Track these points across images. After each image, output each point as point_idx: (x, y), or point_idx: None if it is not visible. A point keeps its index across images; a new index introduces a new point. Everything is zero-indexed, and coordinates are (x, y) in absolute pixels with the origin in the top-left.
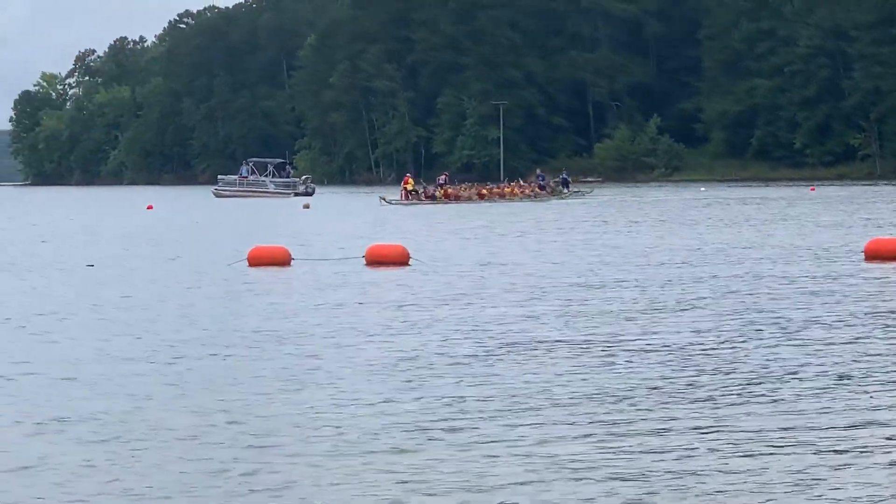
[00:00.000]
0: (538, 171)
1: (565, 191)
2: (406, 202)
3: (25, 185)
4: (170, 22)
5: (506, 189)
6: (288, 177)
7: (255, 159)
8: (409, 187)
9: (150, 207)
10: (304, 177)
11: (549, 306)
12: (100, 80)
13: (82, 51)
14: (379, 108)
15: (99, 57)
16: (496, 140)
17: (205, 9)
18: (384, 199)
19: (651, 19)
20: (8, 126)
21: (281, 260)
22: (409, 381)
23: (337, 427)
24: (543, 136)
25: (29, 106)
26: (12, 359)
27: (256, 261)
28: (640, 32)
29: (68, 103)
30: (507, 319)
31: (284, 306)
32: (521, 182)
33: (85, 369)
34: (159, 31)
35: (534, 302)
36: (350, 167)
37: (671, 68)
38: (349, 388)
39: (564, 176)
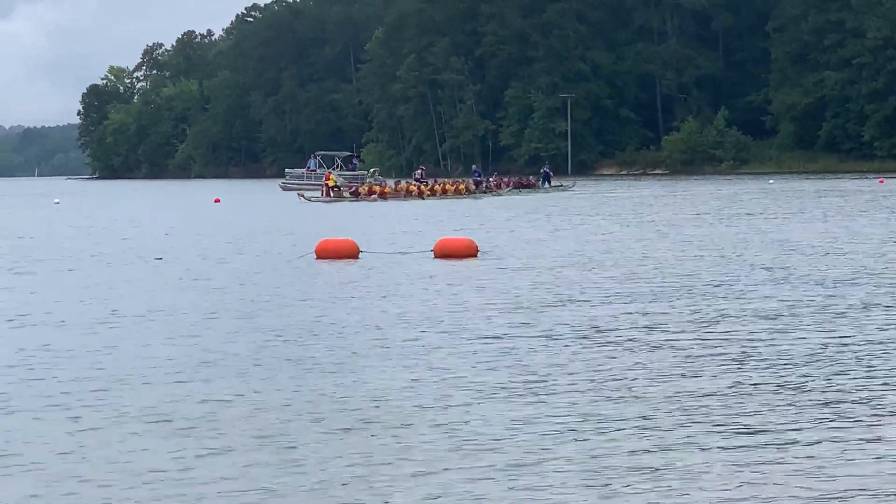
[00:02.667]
0: (474, 167)
1: (547, 185)
2: (327, 199)
3: (93, 178)
4: (237, 15)
5: (436, 187)
6: (355, 170)
7: (322, 152)
8: (332, 183)
9: (217, 201)
10: (371, 170)
11: (661, 303)
12: (167, 73)
13: (150, 44)
14: (446, 101)
15: (166, 51)
16: (563, 133)
17: (272, 2)
18: (302, 196)
19: (720, 11)
20: (76, 120)
21: (349, 253)
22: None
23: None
24: (611, 128)
25: (97, 100)
26: (93, 350)
27: (324, 254)
28: (709, 24)
29: (136, 97)
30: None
31: (351, 299)
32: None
33: (165, 366)
34: (227, 24)
35: (632, 298)
36: (417, 160)
37: (739, 60)
38: (422, 379)
39: (546, 171)
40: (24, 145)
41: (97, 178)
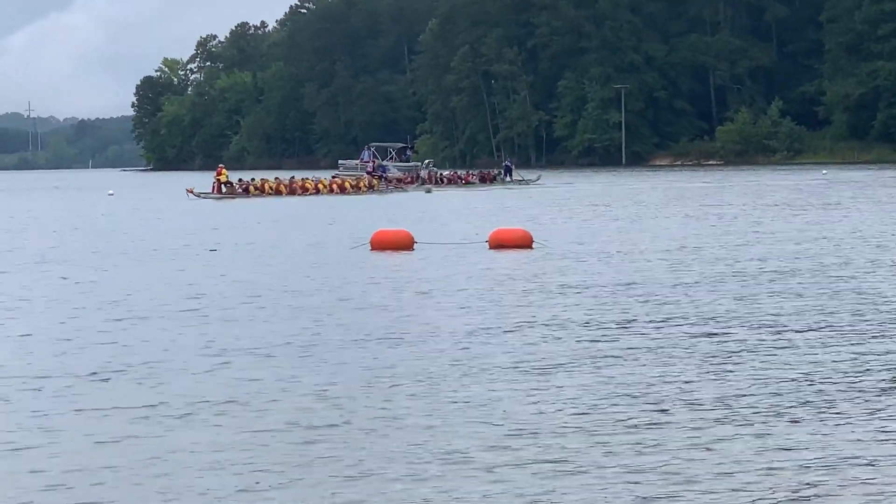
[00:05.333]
0: (378, 161)
1: (508, 179)
2: (218, 195)
3: (148, 170)
4: (291, 7)
5: (335, 182)
6: (409, 161)
7: (376, 144)
8: (223, 179)
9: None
10: (425, 161)
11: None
12: (221, 65)
13: (204, 36)
14: (500, 93)
15: (220, 42)
16: (617, 124)
17: None
18: (191, 192)
19: (773, 2)
20: (130, 112)
21: (404, 244)
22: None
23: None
24: (665, 119)
25: (151, 92)
26: (150, 344)
27: (379, 245)
28: (762, 15)
29: (190, 89)
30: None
31: (407, 290)
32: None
33: (222, 357)
34: (280, 16)
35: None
36: (471, 151)
37: (793, 51)
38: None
39: (507, 163)
40: (78, 137)
41: (151, 169)
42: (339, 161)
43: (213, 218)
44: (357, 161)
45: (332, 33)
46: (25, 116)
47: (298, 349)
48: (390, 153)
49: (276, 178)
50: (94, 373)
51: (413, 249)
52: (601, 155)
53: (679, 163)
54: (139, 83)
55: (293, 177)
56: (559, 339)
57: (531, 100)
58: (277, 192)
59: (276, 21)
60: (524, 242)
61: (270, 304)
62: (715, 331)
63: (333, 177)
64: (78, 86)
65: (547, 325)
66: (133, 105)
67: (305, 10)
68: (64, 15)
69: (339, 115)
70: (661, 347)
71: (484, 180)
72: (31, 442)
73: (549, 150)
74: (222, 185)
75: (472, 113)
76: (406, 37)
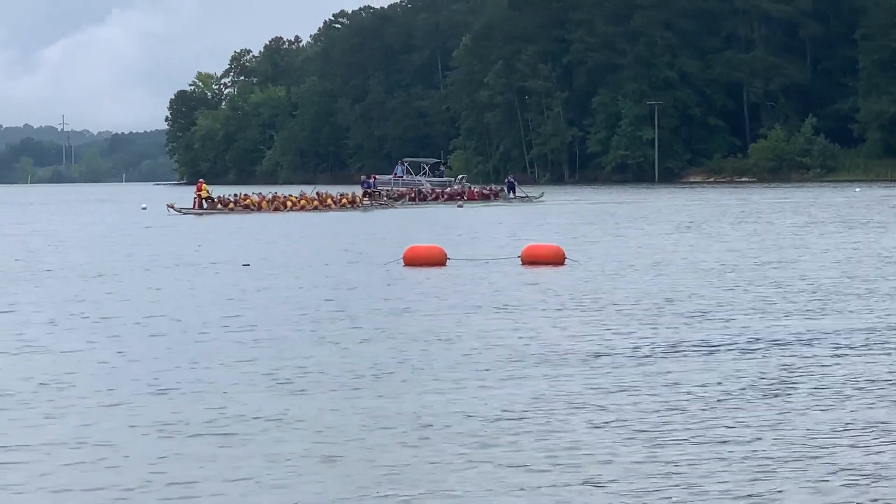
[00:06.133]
0: (363, 177)
1: (511, 195)
2: (198, 211)
3: (181, 184)
4: (325, 22)
5: (318, 199)
6: (442, 176)
7: (409, 159)
8: (204, 194)
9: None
10: (459, 176)
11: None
12: (255, 79)
13: (238, 51)
14: (534, 108)
15: (254, 57)
16: (651, 140)
17: (360, 9)
18: (172, 207)
19: (807, 20)
20: (164, 126)
21: (437, 260)
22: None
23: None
24: (698, 136)
25: (185, 106)
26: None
27: (412, 261)
28: (796, 33)
29: (223, 103)
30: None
31: (440, 307)
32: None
33: (252, 377)
34: (314, 30)
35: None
36: (505, 167)
37: (827, 68)
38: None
39: (510, 180)
40: (112, 151)
41: (184, 183)
42: (373, 176)
43: (227, 233)
44: (390, 176)
45: (366, 48)
46: (59, 130)
47: (345, 367)
48: (424, 168)
49: (259, 194)
50: (150, 387)
51: (446, 265)
52: (634, 171)
53: (712, 179)
54: (173, 97)
55: (275, 193)
56: (600, 357)
57: (565, 116)
58: (260, 208)
59: (311, 36)
60: (557, 259)
61: (313, 321)
62: (759, 348)
63: (342, 194)
64: (112, 99)
65: (587, 342)
66: (167, 119)
67: (340, 26)
68: (99, 28)
69: (372, 130)
70: (704, 365)
71: (486, 197)
72: (87, 457)
73: (583, 166)
74: (203, 201)
75: (505, 129)
76: (440, 52)
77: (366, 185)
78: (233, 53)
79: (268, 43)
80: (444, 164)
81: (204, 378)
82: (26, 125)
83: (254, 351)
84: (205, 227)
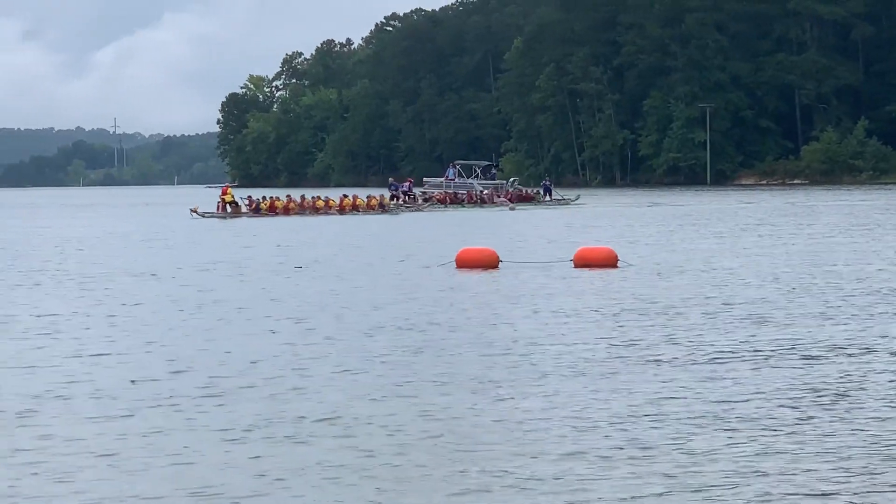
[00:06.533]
0: (391, 179)
1: (547, 199)
2: (222, 214)
3: (233, 186)
4: (376, 24)
5: (346, 202)
6: (494, 179)
7: (461, 161)
8: (228, 199)
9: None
10: (511, 179)
11: None
12: (306, 82)
13: (289, 53)
14: (585, 111)
15: (306, 60)
16: (702, 143)
17: (412, 11)
18: (195, 212)
19: (859, 21)
20: (215, 129)
21: (489, 262)
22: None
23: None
24: (750, 138)
25: (236, 108)
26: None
27: (464, 263)
28: (848, 35)
29: (275, 105)
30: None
31: (493, 310)
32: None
33: (310, 380)
34: (366, 33)
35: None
36: (556, 170)
37: (879, 70)
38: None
39: (546, 183)
40: (163, 154)
41: (236, 186)
42: (425, 179)
43: (268, 235)
44: (442, 179)
45: (417, 51)
46: (111, 132)
47: (401, 366)
48: (475, 171)
49: (288, 196)
50: (211, 389)
51: (498, 268)
52: (686, 174)
53: (764, 182)
54: (225, 100)
55: (303, 195)
56: (658, 360)
57: (616, 118)
58: (286, 212)
59: (362, 38)
60: (609, 261)
61: (367, 323)
62: (813, 353)
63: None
64: (164, 102)
65: (644, 345)
66: (218, 122)
67: (391, 28)
68: (151, 31)
69: (424, 133)
70: (760, 369)
71: (523, 200)
72: (151, 456)
73: (634, 168)
74: (227, 205)
75: (557, 131)
76: (491, 55)
77: (393, 188)
78: (284, 56)
79: (319, 45)
80: (495, 166)
81: (278, 379)
82: (78, 128)
83: (324, 354)
84: (241, 230)
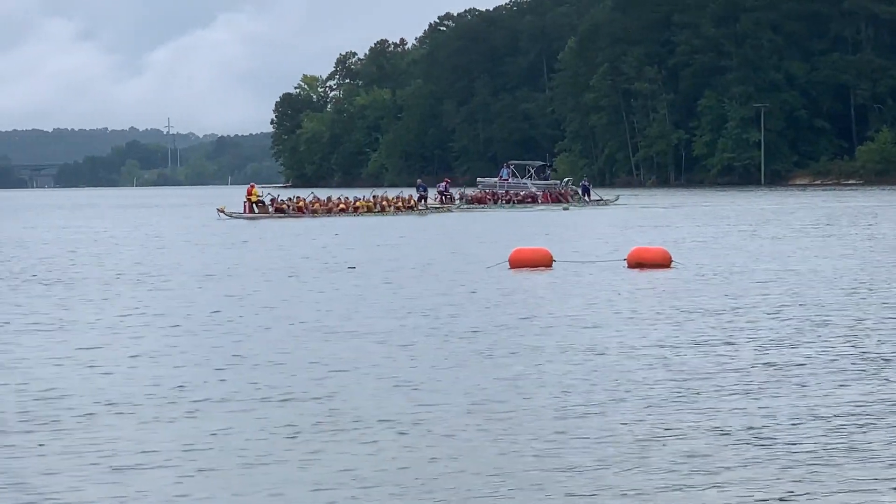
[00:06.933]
0: (419, 180)
1: (585, 198)
2: (249, 215)
3: (286, 186)
4: (430, 24)
5: (372, 202)
6: (548, 179)
7: (515, 162)
8: (254, 198)
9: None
10: (565, 179)
11: None
12: (360, 82)
13: (343, 53)
14: (639, 111)
15: (360, 60)
16: (757, 143)
17: (465, 11)
18: (222, 212)
19: None
20: (269, 129)
21: (543, 262)
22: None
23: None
24: (805, 138)
25: (290, 108)
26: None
27: (518, 263)
28: None
29: (329, 105)
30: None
31: (546, 310)
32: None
33: (375, 381)
34: (420, 33)
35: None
36: (610, 170)
37: None
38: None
39: (585, 183)
40: (217, 154)
41: (290, 186)
42: (478, 178)
43: (312, 235)
44: (496, 179)
45: (471, 51)
46: (165, 133)
47: (460, 368)
48: (529, 171)
49: (314, 196)
50: (276, 390)
51: (552, 267)
52: (740, 174)
53: (818, 182)
54: (278, 100)
55: (329, 196)
56: (720, 360)
57: (671, 118)
58: (313, 212)
59: (416, 38)
60: (663, 261)
61: (423, 324)
62: (881, 353)
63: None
64: (218, 102)
65: (707, 345)
66: (272, 122)
67: (445, 28)
68: (206, 31)
69: (477, 133)
70: (823, 369)
71: (557, 200)
72: (217, 457)
73: (689, 168)
74: (253, 205)
75: (611, 131)
76: (545, 54)
77: (421, 189)
78: (338, 56)
79: (373, 45)
80: (549, 166)
81: (336, 383)
82: (132, 128)
83: (384, 357)
84: (281, 230)
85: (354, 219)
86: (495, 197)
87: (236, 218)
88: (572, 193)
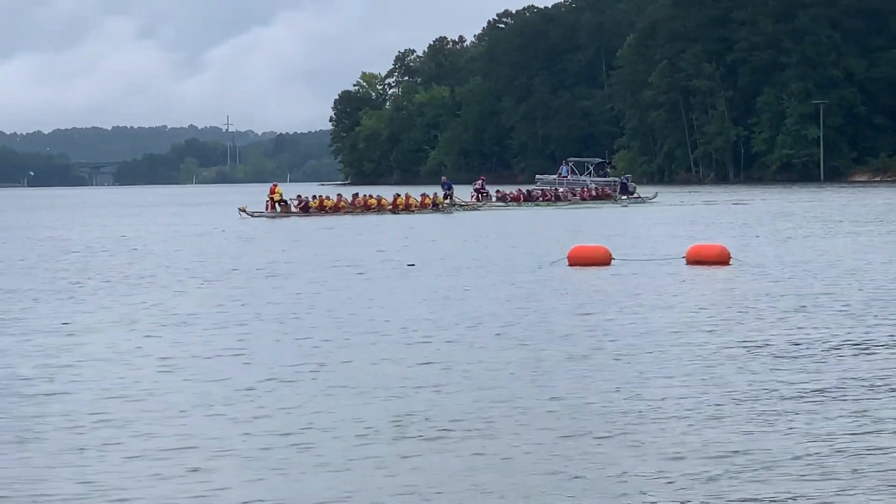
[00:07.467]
0: (444, 178)
1: (623, 197)
2: (271, 214)
3: (345, 184)
4: (489, 22)
5: (399, 200)
6: (607, 177)
7: (574, 159)
8: (277, 198)
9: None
10: (624, 175)
11: None
12: (419, 79)
13: (402, 51)
14: (698, 108)
15: (418, 57)
16: (816, 139)
17: (524, 8)
18: (244, 211)
19: None
20: (328, 126)
21: (602, 259)
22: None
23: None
24: (864, 135)
25: (349, 106)
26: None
27: (577, 260)
28: None
29: (387, 103)
30: None
31: (599, 306)
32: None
33: (446, 379)
34: (478, 30)
35: None
36: (669, 167)
37: None
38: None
39: (624, 181)
40: (276, 151)
41: (349, 183)
42: (537, 175)
43: (356, 232)
44: (555, 176)
45: (530, 48)
46: (224, 130)
47: (525, 368)
48: (588, 168)
49: (339, 195)
50: (348, 388)
51: (610, 265)
52: (799, 170)
53: (878, 178)
54: (337, 97)
55: (355, 194)
56: (790, 357)
57: (729, 115)
58: (336, 210)
59: (475, 36)
60: (722, 259)
61: (488, 322)
62: None
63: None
64: (277, 100)
65: (774, 342)
66: (331, 119)
67: (504, 25)
68: (265, 29)
69: (536, 130)
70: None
71: (598, 198)
72: (293, 455)
73: (748, 165)
74: (276, 204)
75: (669, 128)
76: (604, 51)
77: (446, 187)
78: (397, 53)
79: (432, 43)
80: (608, 163)
81: (408, 379)
82: (191, 126)
83: (454, 355)
84: (325, 229)
85: (380, 217)
86: (532, 195)
87: (258, 217)
88: (610, 191)
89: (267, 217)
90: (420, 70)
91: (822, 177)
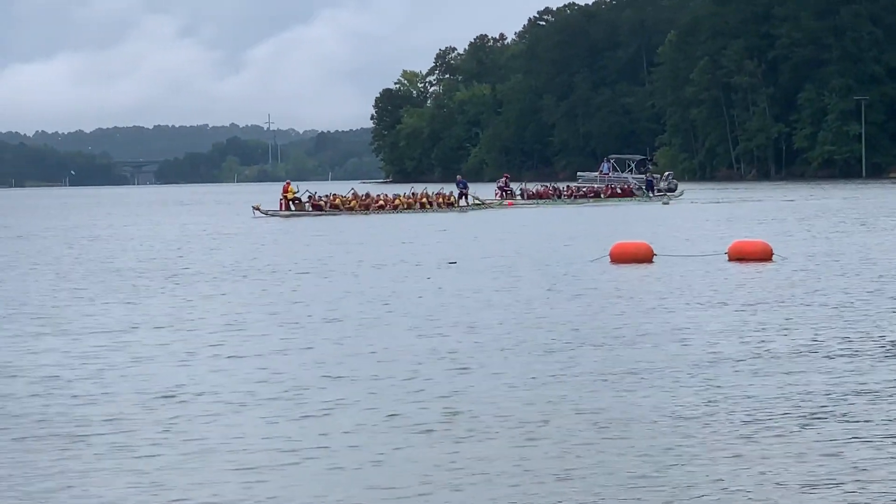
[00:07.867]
0: (459, 177)
1: (649, 193)
2: (285, 213)
3: (387, 182)
4: (530, 19)
5: (413, 199)
6: (648, 173)
7: (615, 156)
8: (290, 196)
9: (510, 204)
10: (665, 173)
11: None
12: (460, 77)
13: (443, 49)
14: (739, 104)
15: (459, 55)
16: (858, 136)
17: (565, 6)
18: (258, 209)
19: None
20: (369, 124)
21: (644, 256)
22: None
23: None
24: None
25: (390, 104)
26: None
27: (619, 257)
28: None
29: (429, 101)
30: None
31: (647, 304)
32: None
33: (494, 379)
34: (519, 28)
35: None
36: (710, 163)
37: None
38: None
39: (649, 178)
40: (318, 149)
41: (390, 181)
42: (578, 173)
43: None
44: (596, 173)
45: (571, 45)
46: (265, 129)
47: (567, 366)
48: (629, 165)
49: (353, 191)
50: (395, 388)
51: (653, 262)
52: (841, 167)
53: None
54: (378, 95)
55: (367, 193)
56: (834, 355)
57: (771, 112)
58: (350, 209)
59: (515, 33)
60: (764, 255)
61: (530, 318)
62: None
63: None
64: (318, 98)
65: (821, 339)
66: (372, 117)
67: (544, 23)
68: (307, 28)
69: (577, 128)
70: None
71: (621, 195)
72: (347, 456)
73: (789, 162)
74: (290, 203)
75: (711, 125)
76: (645, 48)
77: (461, 185)
78: (438, 51)
79: (473, 41)
80: (650, 160)
81: (462, 381)
82: (232, 125)
83: (503, 353)
84: (343, 227)
85: (395, 216)
86: (557, 192)
87: (272, 216)
88: (636, 188)
89: (281, 216)
90: (461, 68)
91: (863, 173)
